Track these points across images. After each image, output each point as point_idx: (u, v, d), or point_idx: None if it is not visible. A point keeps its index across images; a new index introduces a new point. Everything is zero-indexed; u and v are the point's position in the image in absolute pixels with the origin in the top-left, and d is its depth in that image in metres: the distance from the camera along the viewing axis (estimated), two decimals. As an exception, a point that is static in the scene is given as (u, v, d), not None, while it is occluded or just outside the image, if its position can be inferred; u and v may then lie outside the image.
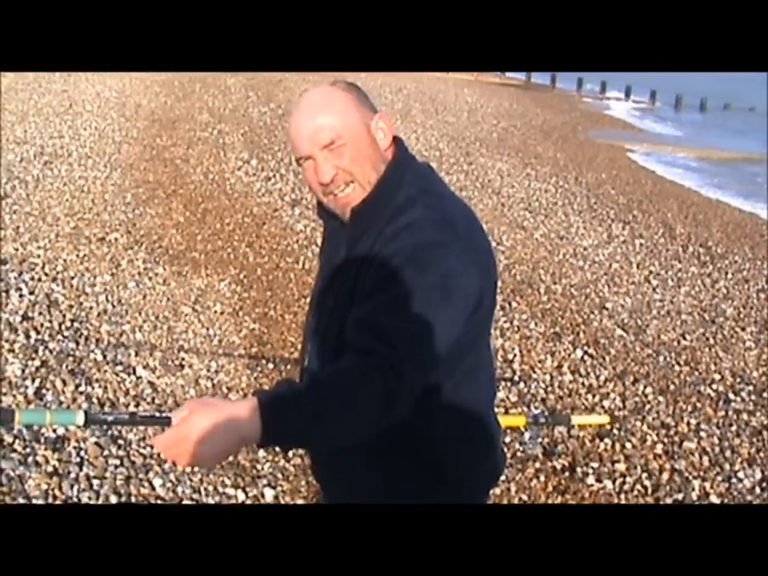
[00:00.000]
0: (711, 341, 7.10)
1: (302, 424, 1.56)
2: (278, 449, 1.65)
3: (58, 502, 3.78)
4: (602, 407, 5.54)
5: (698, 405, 5.75)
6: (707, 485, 4.68)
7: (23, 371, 4.92)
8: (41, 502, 3.75)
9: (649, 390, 5.89)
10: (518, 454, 4.75)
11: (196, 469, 4.21)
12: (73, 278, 6.68)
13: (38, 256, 7.08)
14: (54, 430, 4.35)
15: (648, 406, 5.64)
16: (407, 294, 1.71)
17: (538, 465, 4.69)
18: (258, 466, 4.35)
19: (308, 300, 2.23)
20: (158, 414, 1.64)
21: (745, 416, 5.64)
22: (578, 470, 4.70)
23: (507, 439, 4.76)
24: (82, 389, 4.85)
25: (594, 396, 5.69)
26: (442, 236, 1.78)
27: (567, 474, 4.66)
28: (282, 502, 4.10)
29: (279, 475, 4.30)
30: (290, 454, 4.49)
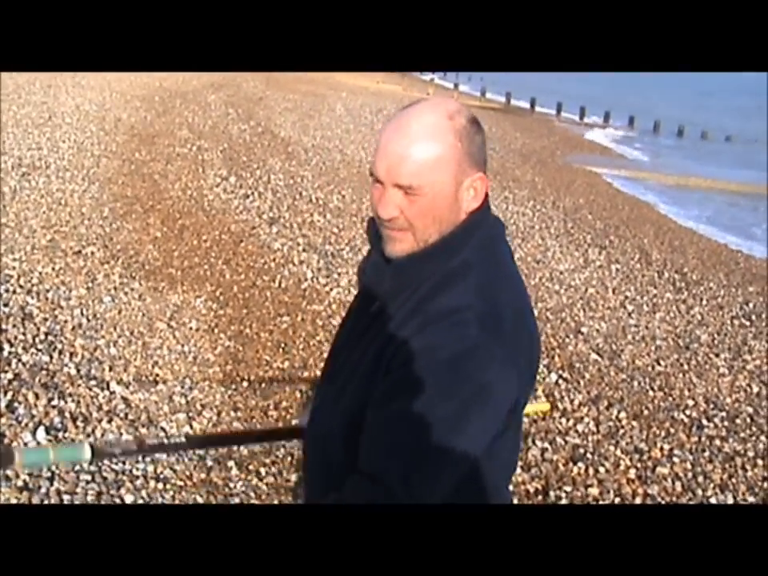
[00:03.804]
0: (685, 366, 7.14)
1: None
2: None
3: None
4: (576, 431, 5.55)
5: (672, 430, 5.78)
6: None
7: (-5, 384, 4.87)
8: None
9: (623, 414, 5.91)
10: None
11: (168, 486, 4.19)
12: (48, 291, 6.63)
13: (13, 268, 7.03)
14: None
15: (622, 431, 5.66)
16: (439, 400, 1.58)
17: (511, 488, 4.68)
18: (231, 484, 4.32)
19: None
20: (166, 441, 1.54)
21: (717, 442, 5.67)
22: (552, 493, 4.71)
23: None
24: (54, 402, 4.81)
25: (567, 420, 5.71)
26: (486, 337, 1.61)
27: (540, 497, 4.67)
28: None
29: (252, 494, 4.27)
30: (263, 472, 4.47)
